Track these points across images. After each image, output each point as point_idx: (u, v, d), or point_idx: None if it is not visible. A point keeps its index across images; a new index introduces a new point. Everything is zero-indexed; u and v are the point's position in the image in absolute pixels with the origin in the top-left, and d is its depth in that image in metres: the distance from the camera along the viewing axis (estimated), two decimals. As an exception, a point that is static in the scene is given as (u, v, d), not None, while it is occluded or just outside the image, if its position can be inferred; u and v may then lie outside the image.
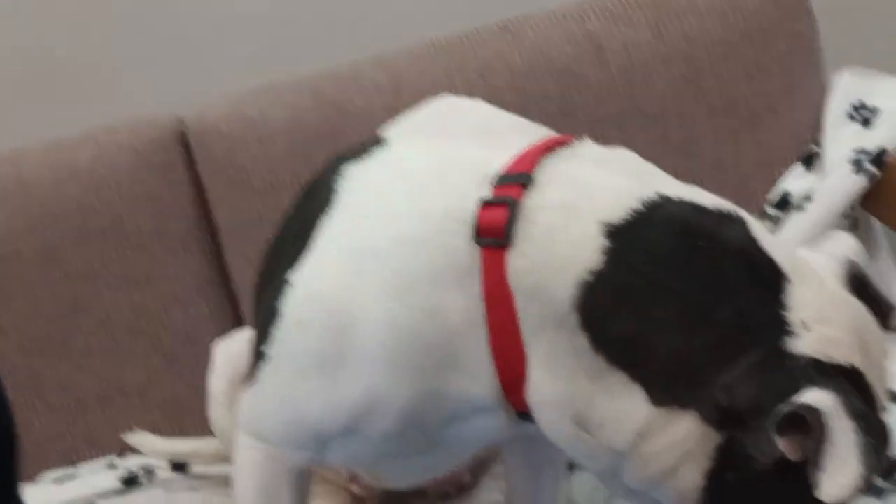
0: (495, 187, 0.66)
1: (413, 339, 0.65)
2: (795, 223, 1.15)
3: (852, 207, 1.16)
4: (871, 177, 1.13)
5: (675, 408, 0.60)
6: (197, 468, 1.16)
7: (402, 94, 1.22)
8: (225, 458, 1.05)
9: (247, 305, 1.20)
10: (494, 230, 0.64)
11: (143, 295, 1.24)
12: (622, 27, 1.22)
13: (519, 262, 0.64)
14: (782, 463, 0.56)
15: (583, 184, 0.66)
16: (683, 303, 0.60)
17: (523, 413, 0.67)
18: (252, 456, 0.74)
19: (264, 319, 0.72)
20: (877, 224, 1.21)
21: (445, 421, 0.68)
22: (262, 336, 0.72)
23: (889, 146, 1.14)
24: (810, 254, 0.68)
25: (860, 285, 0.67)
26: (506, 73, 1.22)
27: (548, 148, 0.69)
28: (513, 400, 0.67)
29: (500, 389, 0.66)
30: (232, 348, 0.97)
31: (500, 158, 0.68)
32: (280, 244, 0.78)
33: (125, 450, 1.25)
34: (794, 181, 1.20)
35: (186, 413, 1.24)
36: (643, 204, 0.64)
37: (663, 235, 0.62)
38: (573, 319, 0.62)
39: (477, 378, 0.66)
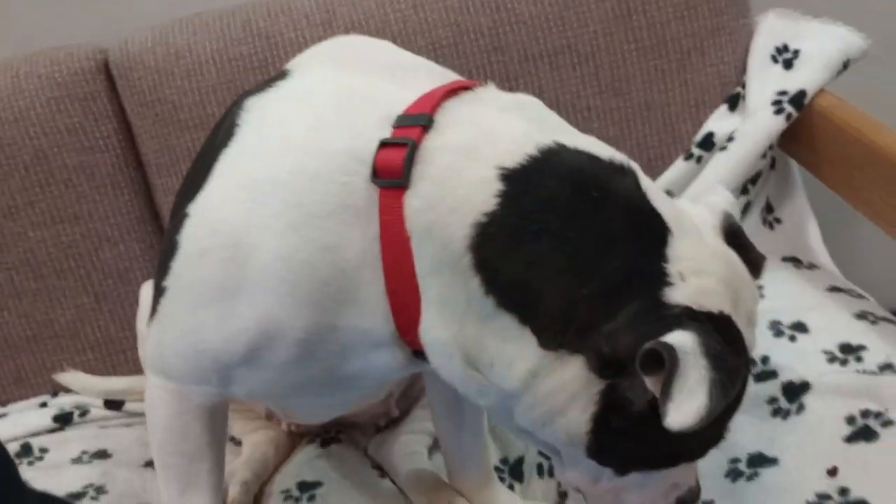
0: (395, 128, 0.67)
1: (309, 273, 0.66)
2: (718, 162, 1.19)
3: (771, 147, 1.20)
4: (790, 117, 1.17)
5: (565, 352, 0.62)
6: (131, 405, 1.17)
7: (333, 26, 1.20)
8: (160, 395, 1.05)
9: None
10: (392, 171, 0.65)
11: (70, 233, 1.21)
12: (558, -39, 1.22)
13: (415, 203, 0.65)
14: (656, 405, 0.60)
15: (483, 128, 0.67)
16: (574, 251, 0.62)
17: (419, 352, 0.69)
18: (159, 395, 0.75)
19: (164, 253, 0.72)
20: (793, 164, 1.25)
21: (342, 355, 0.70)
22: (162, 269, 0.71)
23: (808, 88, 1.17)
24: (692, 206, 0.71)
25: (734, 237, 0.70)
26: (440, 6, 1.21)
27: (451, 91, 0.69)
28: (408, 339, 0.68)
29: (394, 329, 0.68)
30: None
31: (404, 98, 0.69)
32: (186, 181, 0.77)
33: (57, 390, 1.24)
34: (719, 122, 1.23)
35: (119, 352, 1.24)
36: (541, 151, 0.65)
37: (558, 183, 0.63)
38: (466, 261, 0.63)
39: (371, 315, 0.67)
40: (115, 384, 1.17)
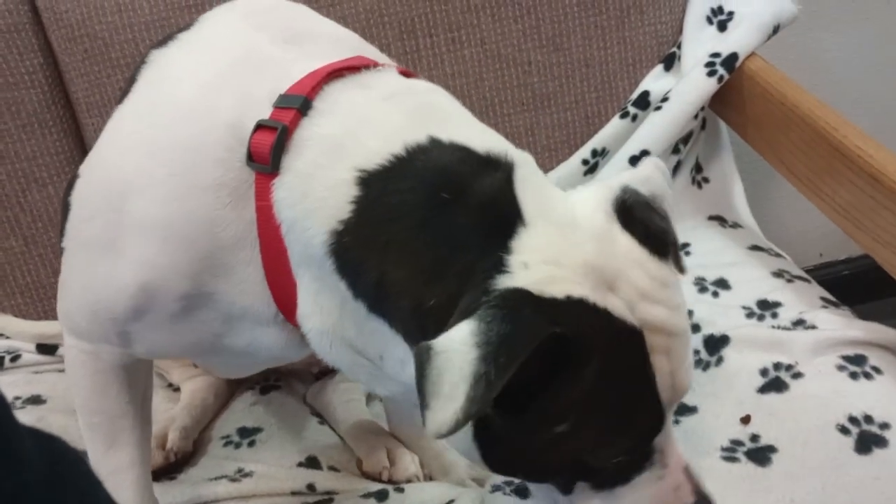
0: (275, 108, 0.65)
1: (187, 245, 0.65)
2: (652, 121, 1.22)
3: (702, 108, 1.24)
4: (721, 79, 1.21)
5: None
6: (64, 349, 1.15)
7: (273, -34, 1.17)
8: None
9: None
10: (262, 156, 0.63)
11: (-5, 173, 1.17)
12: None
13: (282, 194, 0.63)
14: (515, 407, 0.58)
15: (355, 121, 0.64)
16: (419, 261, 0.60)
17: None
18: (75, 355, 0.76)
19: (62, 213, 0.72)
20: (722, 125, 1.30)
21: (228, 324, 0.70)
22: (62, 230, 0.72)
23: (740, 51, 1.20)
24: (585, 190, 0.66)
25: (628, 213, 0.64)
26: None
27: (336, 71, 0.66)
28: (294, 322, 0.68)
29: (276, 310, 0.68)
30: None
31: (297, 72, 0.66)
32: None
33: (-13, 335, 1.21)
34: (654, 81, 1.26)
35: (51, 297, 1.20)
36: (407, 150, 0.62)
37: (412, 188, 0.61)
38: (329, 265, 0.62)
39: (251, 295, 0.67)
40: (48, 328, 1.15)
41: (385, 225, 0.61)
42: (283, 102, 0.64)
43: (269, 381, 1.11)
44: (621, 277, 0.61)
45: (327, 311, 0.65)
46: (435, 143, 0.63)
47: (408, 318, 0.61)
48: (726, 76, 1.21)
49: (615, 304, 0.59)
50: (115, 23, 1.15)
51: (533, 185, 0.63)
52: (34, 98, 1.16)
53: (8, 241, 1.19)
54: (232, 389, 1.11)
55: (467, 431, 0.61)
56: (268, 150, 0.63)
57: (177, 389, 1.10)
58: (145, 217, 0.65)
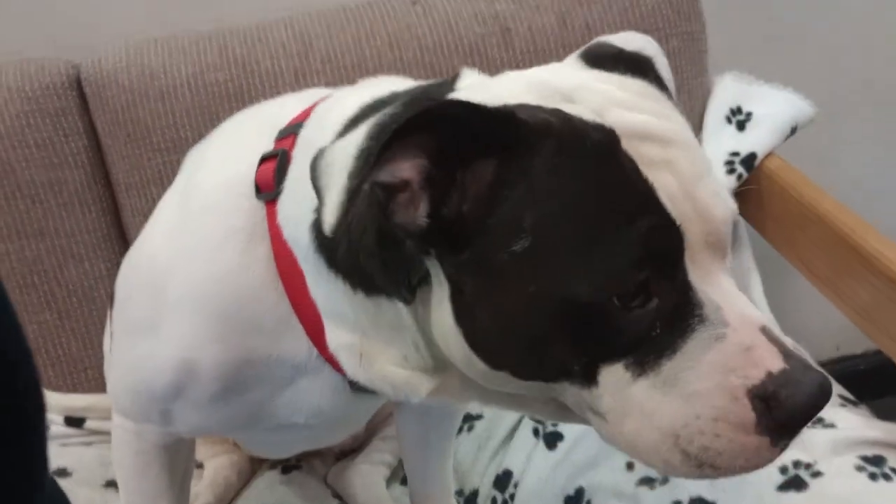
0: (276, 140, 0.66)
1: (212, 309, 0.66)
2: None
3: (721, 204, 1.27)
4: (740, 178, 1.24)
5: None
6: (92, 423, 1.17)
7: (310, 58, 1.22)
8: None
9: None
10: (266, 184, 0.64)
11: (35, 248, 1.20)
12: (529, 11, 1.27)
13: (282, 213, 0.63)
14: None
15: (323, 116, 0.65)
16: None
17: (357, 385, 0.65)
18: (120, 434, 0.78)
19: (111, 301, 0.76)
20: (742, 222, 1.32)
21: (269, 386, 0.68)
22: (111, 317, 0.76)
23: (759, 151, 1.24)
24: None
25: (591, 55, 0.60)
26: (414, 45, 1.24)
27: (328, 97, 0.68)
28: (327, 356, 0.65)
29: (312, 347, 0.65)
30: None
31: (292, 111, 0.68)
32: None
33: (15, 405, 1.22)
34: (675, 177, 1.29)
35: (80, 370, 1.23)
36: (361, 109, 0.62)
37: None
38: (322, 264, 0.60)
39: (282, 338, 0.65)
40: (77, 401, 1.17)
41: None
42: (282, 133, 0.67)
43: (291, 461, 1.12)
44: (582, 90, 0.54)
45: (345, 322, 0.62)
46: (390, 94, 0.62)
47: (391, 271, 0.56)
48: (745, 174, 1.24)
49: (572, 108, 0.52)
50: (157, 109, 1.20)
51: (481, 79, 0.61)
52: (77, 178, 1.21)
53: (42, 315, 1.22)
54: (254, 468, 1.12)
55: (450, 316, 0.55)
56: (271, 176, 0.64)
57: (200, 466, 1.11)
58: (178, 291, 0.67)
